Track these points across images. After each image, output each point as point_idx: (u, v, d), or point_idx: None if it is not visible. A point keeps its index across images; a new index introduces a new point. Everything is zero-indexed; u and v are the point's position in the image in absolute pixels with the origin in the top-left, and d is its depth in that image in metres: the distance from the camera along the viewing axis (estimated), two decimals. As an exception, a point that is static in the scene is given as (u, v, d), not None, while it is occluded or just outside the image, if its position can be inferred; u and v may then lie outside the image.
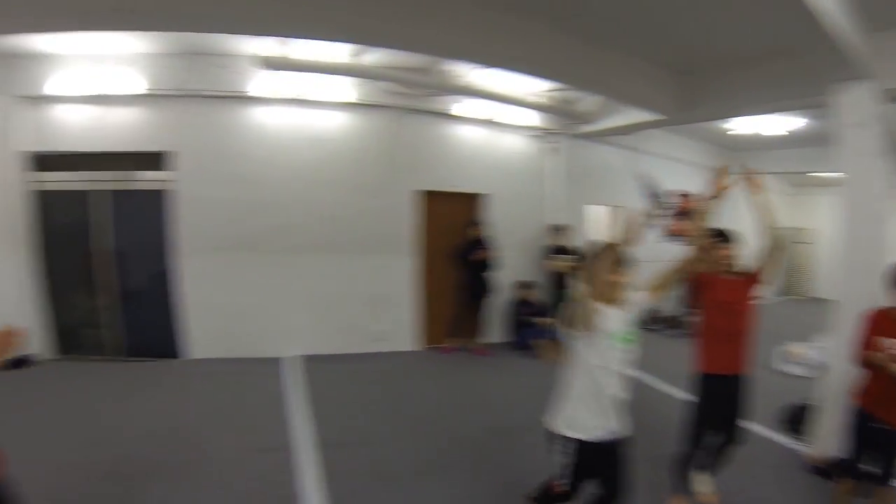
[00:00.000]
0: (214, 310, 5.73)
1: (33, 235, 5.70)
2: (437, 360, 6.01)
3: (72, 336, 5.69)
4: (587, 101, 6.56)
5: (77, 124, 5.67)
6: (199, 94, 5.52)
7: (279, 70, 5.24)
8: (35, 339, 5.50)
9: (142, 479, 3.18)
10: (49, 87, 5.52)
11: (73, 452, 3.47)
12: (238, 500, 3.03)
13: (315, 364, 5.57)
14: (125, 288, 5.78)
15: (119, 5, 3.45)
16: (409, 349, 6.22)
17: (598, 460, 2.14)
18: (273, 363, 5.55)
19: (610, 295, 2.10)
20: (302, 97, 5.69)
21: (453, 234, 6.17)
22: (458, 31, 3.94)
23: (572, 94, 6.34)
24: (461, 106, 6.26)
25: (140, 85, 5.50)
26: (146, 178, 5.71)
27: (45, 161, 5.73)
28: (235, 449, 3.63)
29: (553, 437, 2.20)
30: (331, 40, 4.45)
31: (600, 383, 2.09)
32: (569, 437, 2.13)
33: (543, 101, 6.37)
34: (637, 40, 4.52)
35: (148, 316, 5.76)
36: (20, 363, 5.32)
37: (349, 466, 3.40)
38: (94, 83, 5.48)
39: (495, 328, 6.50)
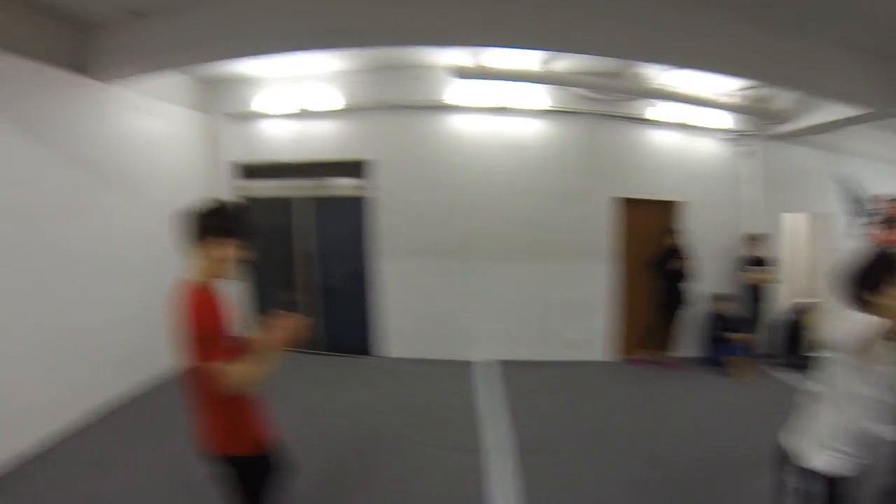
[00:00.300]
0: (409, 311, 5.90)
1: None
2: (629, 371, 5.72)
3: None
4: (782, 98, 5.96)
5: (280, 137, 6.12)
6: (395, 105, 5.70)
7: (473, 79, 5.28)
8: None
9: (342, 463, 3.49)
10: (255, 106, 6.05)
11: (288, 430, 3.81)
12: (429, 493, 3.18)
13: (507, 369, 5.54)
14: (325, 287, 6.11)
15: (332, 27, 3.69)
16: (602, 359, 5.98)
17: (839, 496, 1.89)
18: (464, 366, 5.60)
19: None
20: (497, 105, 5.68)
21: (649, 243, 5.87)
22: (648, 32, 3.76)
23: (766, 91, 5.82)
24: (655, 110, 5.95)
25: (338, 100, 5.81)
26: (346, 185, 5.99)
27: (252, 170, 6.25)
28: (429, 445, 3.80)
29: (789, 468, 1.96)
30: (522, 48, 4.42)
31: (860, 411, 1.82)
32: (813, 470, 1.89)
33: (736, 101, 5.91)
34: (837, 26, 4.01)
35: (346, 314, 6.03)
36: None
37: (539, 474, 3.37)
38: (296, 100, 5.89)
39: (688, 342, 6.06)
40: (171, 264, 5.50)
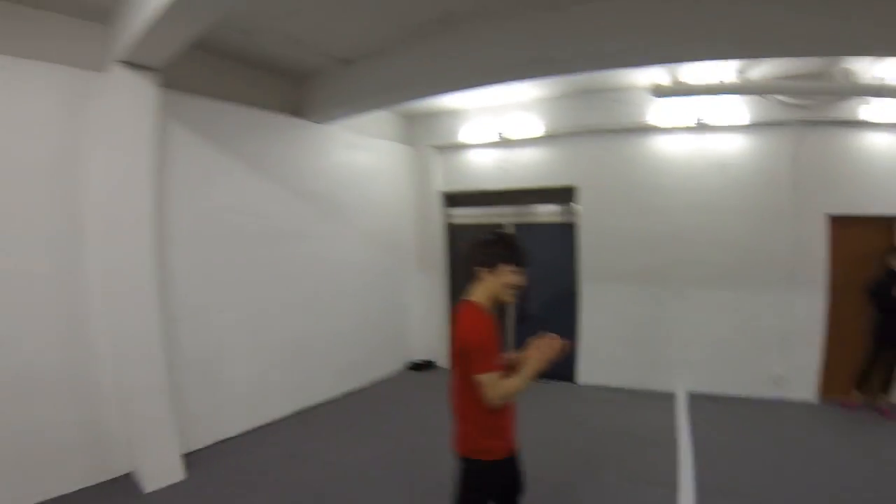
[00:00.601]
0: (609, 338, 5.95)
1: (446, 260, 6.99)
2: (838, 416, 4.99)
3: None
4: None
5: (485, 166, 6.61)
6: (596, 129, 5.80)
7: (671, 97, 5.18)
8: (435, 346, 6.85)
9: (538, 487, 3.59)
10: (459, 136, 6.54)
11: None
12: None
13: (703, 403, 5.34)
14: (527, 312, 6.39)
15: (534, 57, 3.79)
16: (806, 398, 5.33)
17: None
18: (660, 397, 5.53)
19: None
20: (698, 122, 5.50)
21: (867, 266, 5.22)
22: (853, 21, 3.21)
23: None
24: (868, 110, 5.13)
25: (539, 127, 6.02)
26: (549, 212, 6.32)
27: (458, 199, 6.88)
28: (623, 477, 3.78)
29: None
30: (720, 59, 4.26)
31: None
32: None
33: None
34: None
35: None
36: (426, 366, 6.83)
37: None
38: (498, 130, 6.24)
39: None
40: (380, 285, 6.45)
